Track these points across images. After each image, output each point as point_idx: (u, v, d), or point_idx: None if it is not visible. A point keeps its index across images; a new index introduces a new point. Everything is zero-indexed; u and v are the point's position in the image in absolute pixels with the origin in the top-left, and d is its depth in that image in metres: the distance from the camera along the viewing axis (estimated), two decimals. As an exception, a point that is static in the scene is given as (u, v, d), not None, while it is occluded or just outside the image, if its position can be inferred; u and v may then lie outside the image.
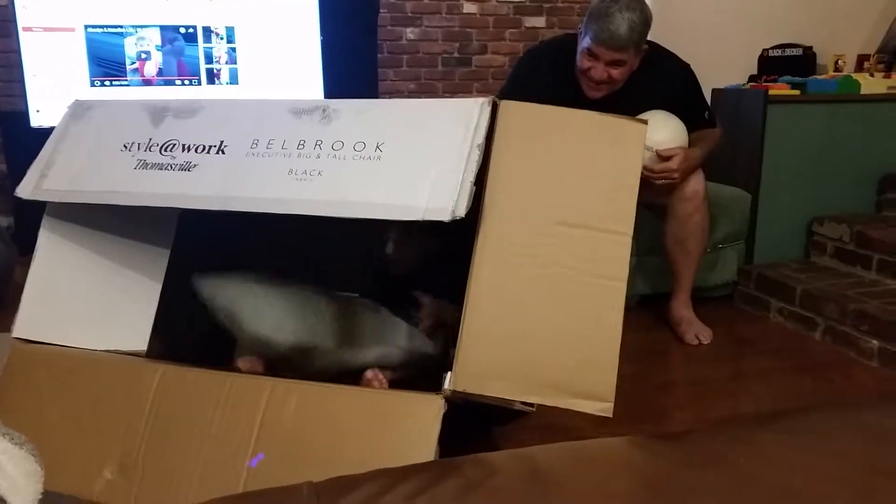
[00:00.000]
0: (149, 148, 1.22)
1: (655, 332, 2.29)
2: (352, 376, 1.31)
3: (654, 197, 2.22)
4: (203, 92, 2.93)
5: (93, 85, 2.82)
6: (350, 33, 3.30)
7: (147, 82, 2.88)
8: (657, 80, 2.13)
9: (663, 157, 2.06)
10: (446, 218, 1.01)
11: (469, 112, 1.11)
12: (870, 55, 3.08)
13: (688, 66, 2.20)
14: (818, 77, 2.93)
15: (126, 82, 2.86)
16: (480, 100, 1.12)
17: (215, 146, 1.19)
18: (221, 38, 2.93)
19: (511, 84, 2.27)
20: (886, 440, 0.89)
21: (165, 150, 1.21)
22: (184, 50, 2.89)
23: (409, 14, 3.83)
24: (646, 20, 1.98)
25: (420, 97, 3.92)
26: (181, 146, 1.20)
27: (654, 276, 2.46)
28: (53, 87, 2.79)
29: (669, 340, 2.24)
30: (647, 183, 2.15)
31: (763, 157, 2.60)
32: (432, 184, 1.05)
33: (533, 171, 1.11)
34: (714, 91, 2.78)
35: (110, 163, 1.24)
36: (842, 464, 0.83)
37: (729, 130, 2.40)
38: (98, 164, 1.25)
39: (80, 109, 1.35)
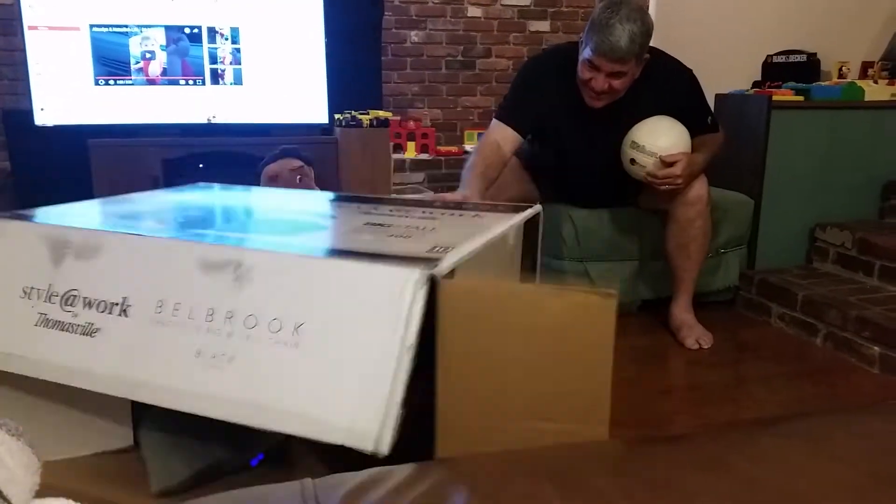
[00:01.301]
0: (49, 297, 1.14)
1: (656, 337, 2.29)
2: None
3: (657, 202, 2.23)
4: (207, 92, 2.93)
5: (97, 84, 2.83)
6: (355, 36, 3.31)
7: (151, 82, 2.89)
8: (659, 86, 2.13)
9: (667, 163, 2.06)
10: (369, 449, 0.89)
11: (401, 293, 0.94)
12: (874, 62, 3.09)
13: (690, 71, 2.19)
14: (822, 83, 2.94)
15: (130, 82, 2.86)
16: (416, 274, 0.94)
17: (118, 304, 1.10)
18: (226, 39, 2.93)
19: (513, 93, 2.24)
20: (887, 445, 0.89)
21: (67, 304, 1.13)
22: (188, 50, 2.90)
23: (414, 17, 3.84)
24: (647, 30, 1.96)
25: (424, 99, 3.94)
26: (82, 300, 1.12)
27: (656, 281, 2.46)
28: (58, 85, 2.80)
29: (670, 345, 2.24)
30: (650, 188, 2.16)
31: (766, 163, 2.61)
32: (357, 395, 0.93)
33: (489, 364, 0.97)
34: (718, 96, 2.78)
35: (10, 313, 1.15)
36: (842, 468, 0.83)
37: (732, 136, 2.40)
38: None
39: None
